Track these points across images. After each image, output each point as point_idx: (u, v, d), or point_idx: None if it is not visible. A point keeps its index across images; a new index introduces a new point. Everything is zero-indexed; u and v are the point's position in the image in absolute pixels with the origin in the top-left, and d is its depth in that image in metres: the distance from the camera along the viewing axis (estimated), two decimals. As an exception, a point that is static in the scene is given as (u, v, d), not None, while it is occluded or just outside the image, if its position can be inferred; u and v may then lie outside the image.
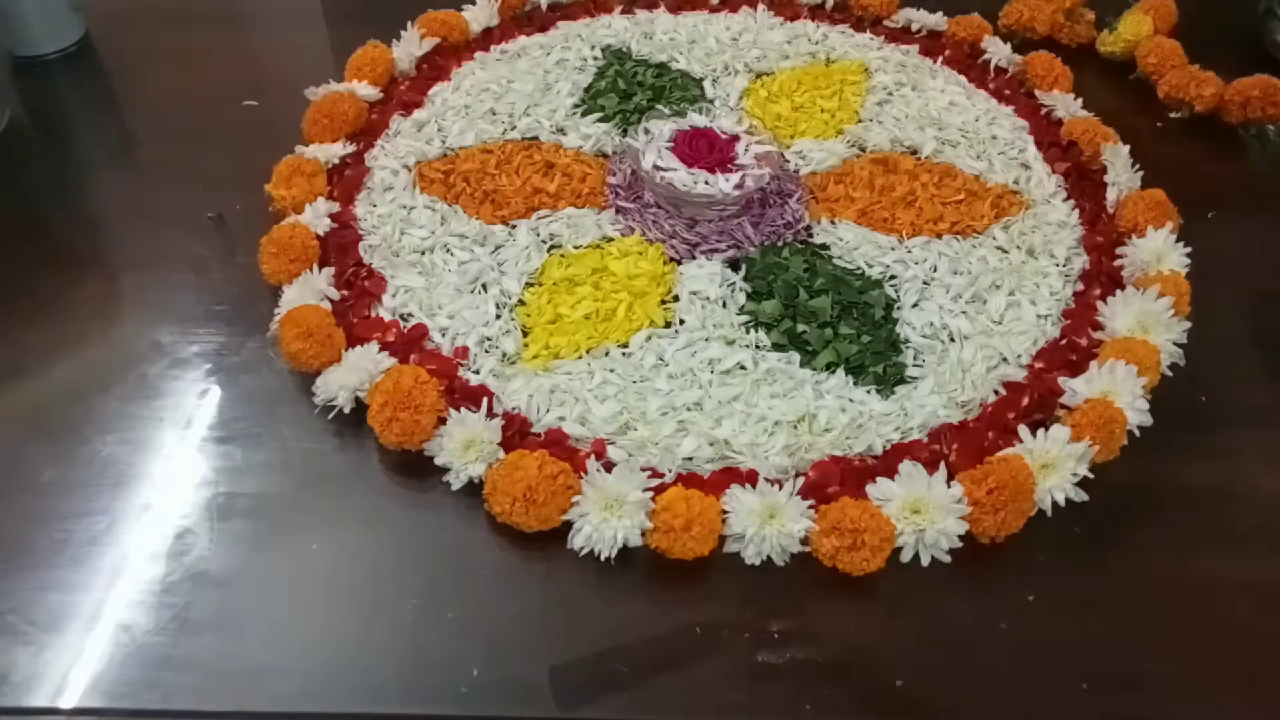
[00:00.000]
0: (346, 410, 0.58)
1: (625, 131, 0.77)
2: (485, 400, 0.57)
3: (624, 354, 0.61)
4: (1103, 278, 0.68)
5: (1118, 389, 0.57)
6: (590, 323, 0.62)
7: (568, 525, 0.52)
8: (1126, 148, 0.76)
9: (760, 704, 0.47)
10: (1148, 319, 0.62)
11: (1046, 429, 0.56)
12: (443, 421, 0.56)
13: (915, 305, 0.65)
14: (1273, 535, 0.55)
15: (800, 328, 0.62)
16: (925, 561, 0.52)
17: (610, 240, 0.68)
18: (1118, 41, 0.89)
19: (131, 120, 0.84)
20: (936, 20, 0.92)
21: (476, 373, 0.60)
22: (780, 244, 0.68)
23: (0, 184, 0.76)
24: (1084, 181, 0.76)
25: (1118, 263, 0.68)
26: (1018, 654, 0.49)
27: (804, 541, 0.52)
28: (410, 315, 0.63)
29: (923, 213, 0.71)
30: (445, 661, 0.48)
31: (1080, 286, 0.67)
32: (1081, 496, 0.54)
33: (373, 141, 0.77)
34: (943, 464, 0.55)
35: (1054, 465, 0.54)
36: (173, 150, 0.79)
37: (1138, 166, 0.74)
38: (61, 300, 0.66)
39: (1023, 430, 0.56)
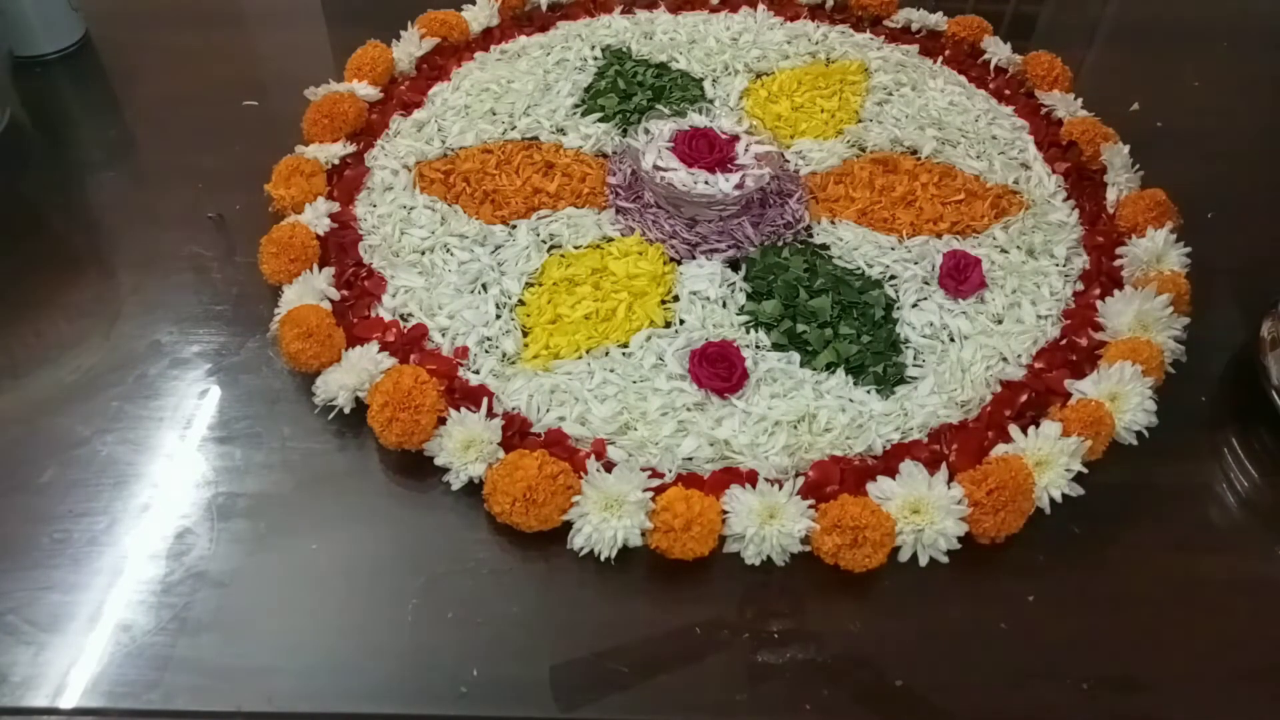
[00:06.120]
0: (346, 410, 0.58)
1: (625, 131, 0.77)
2: (485, 400, 0.57)
3: (624, 354, 0.61)
4: (1103, 278, 0.68)
5: (1126, 390, 0.57)
6: (590, 323, 0.62)
7: (568, 525, 0.52)
8: (1126, 147, 0.76)
9: (760, 704, 0.47)
10: (1147, 317, 0.62)
11: (1037, 426, 0.56)
12: (443, 421, 0.56)
13: (915, 305, 0.65)
14: (1272, 534, 0.55)
15: (800, 328, 0.62)
16: (924, 562, 0.52)
17: (610, 240, 0.68)
18: None
19: (131, 120, 0.84)
20: (936, 20, 0.92)
21: (476, 373, 0.60)
22: (780, 244, 0.68)
23: (0, 184, 0.76)
24: (1084, 181, 0.76)
25: (1117, 263, 0.68)
26: (1018, 654, 0.49)
27: (804, 541, 0.52)
28: (410, 315, 0.63)
29: (923, 213, 0.71)
30: (445, 661, 0.48)
31: (1080, 286, 0.67)
32: (1077, 491, 0.54)
33: (373, 141, 0.77)
34: (943, 464, 0.55)
35: (1048, 462, 0.54)
36: (173, 150, 0.79)
37: (1137, 166, 0.74)
38: (61, 300, 0.66)
39: (1013, 430, 0.56)
